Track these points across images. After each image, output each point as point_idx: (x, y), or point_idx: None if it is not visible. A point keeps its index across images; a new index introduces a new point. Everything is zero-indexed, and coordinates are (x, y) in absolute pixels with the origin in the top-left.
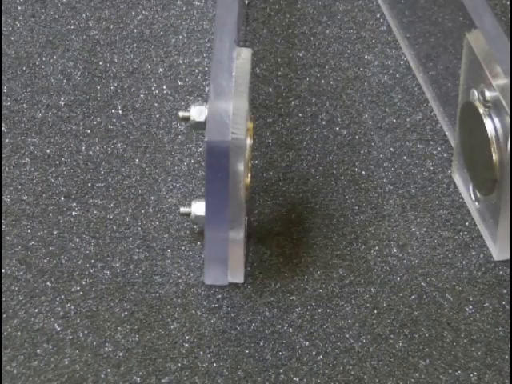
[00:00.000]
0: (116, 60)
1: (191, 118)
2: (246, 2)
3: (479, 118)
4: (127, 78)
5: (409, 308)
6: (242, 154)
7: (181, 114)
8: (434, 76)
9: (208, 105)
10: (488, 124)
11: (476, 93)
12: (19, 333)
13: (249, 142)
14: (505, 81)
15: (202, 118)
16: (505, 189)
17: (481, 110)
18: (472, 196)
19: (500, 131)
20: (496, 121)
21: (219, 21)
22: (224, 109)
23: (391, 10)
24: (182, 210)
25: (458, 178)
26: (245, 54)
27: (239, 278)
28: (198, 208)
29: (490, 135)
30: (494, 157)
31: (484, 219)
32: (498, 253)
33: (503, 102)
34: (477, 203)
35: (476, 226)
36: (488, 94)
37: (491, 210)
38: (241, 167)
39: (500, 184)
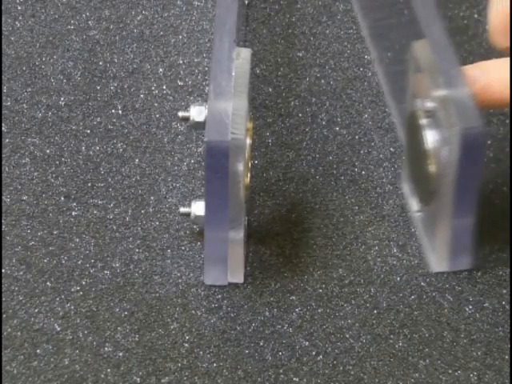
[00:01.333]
0: (116, 60)
1: (191, 118)
2: (246, 2)
3: (420, 129)
4: (127, 78)
5: (409, 308)
6: (242, 153)
7: (180, 114)
8: (393, 85)
9: (207, 105)
10: (428, 135)
11: (419, 103)
12: (19, 333)
13: (248, 141)
14: (445, 92)
15: (201, 118)
16: (442, 200)
17: (422, 121)
18: (415, 206)
19: (438, 143)
20: (435, 132)
21: (219, 21)
22: (223, 109)
23: (361, 10)
24: (182, 210)
25: (405, 188)
26: (244, 54)
27: (239, 278)
28: (198, 208)
29: (429, 146)
30: (433, 168)
31: (424, 230)
32: (436, 264)
33: (441, 114)
34: (418, 214)
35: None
36: (429, 104)
37: (430, 221)
38: (240, 167)
39: (437, 195)
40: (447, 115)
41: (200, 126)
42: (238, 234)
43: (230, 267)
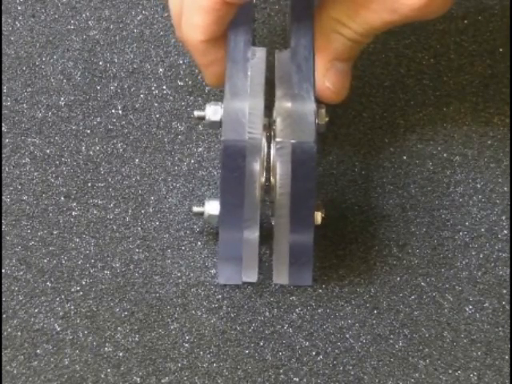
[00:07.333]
0: (116, 60)
1: (206, 117)
2: (254, 0)
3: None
4: (127, 78)
5: (409, 308)
6: (259, 153)
7: (196, 113)
8: None
9: (223, 104)
10: (271, 145)
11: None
12: (19, 333)
13: (265, 141)
14: (289, 104)
15: (217, 118)
16: (281, 213)
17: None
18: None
19: (276, 154)
20: (273, 143)
21: (234, 20)
22: (240, 108)
23: None
24: (195, 209)
25: None
26: (260, 53)
27: (253, 278)
28: (212, 207)
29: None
30: (272, 179)
31: (274, 239)
32: (276, 276)
33: (280, 125)
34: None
35: (476, 225)
36: (274, 113)
37: (275, 232)
38: (257, 167)
39: (277, 207)
40: (284, 127)
41: (215, 125)
42: (253, 234)
43: (244, 266)
